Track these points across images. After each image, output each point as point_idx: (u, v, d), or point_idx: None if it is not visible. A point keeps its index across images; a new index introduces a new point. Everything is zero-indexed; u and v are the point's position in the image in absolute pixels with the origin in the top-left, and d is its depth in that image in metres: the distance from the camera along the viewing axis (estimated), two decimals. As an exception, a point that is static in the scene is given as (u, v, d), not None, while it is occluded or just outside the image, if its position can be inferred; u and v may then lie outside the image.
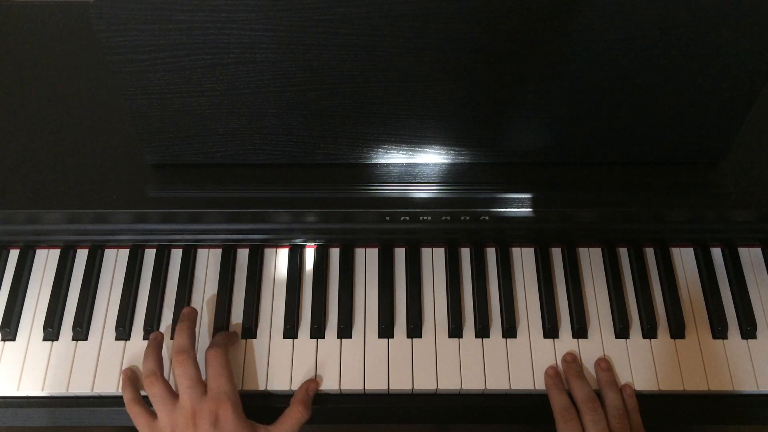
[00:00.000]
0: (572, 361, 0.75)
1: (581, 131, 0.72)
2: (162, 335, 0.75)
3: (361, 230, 0.78)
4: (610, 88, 0.68)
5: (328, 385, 0.74)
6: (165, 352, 0.74)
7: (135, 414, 0.69)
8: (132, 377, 0.73)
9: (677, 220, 0.77)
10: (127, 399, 0.70)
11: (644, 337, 0.77)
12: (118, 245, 0.82)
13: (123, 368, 0.74)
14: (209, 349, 0.71)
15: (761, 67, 0.66)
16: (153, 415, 0.69)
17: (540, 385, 0.74)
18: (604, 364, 0.75)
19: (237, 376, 0.74)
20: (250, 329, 0.76)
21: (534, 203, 0.73)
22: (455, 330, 0.76)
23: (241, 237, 0.80)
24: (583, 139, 0.73)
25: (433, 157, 0.75)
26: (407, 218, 0.74)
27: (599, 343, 0.76)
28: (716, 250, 0.82)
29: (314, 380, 0.73)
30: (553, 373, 0.74)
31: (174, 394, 0.69)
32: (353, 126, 0.71)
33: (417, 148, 0.74)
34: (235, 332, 0.76)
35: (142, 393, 0.72)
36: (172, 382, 0.70)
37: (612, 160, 0.75)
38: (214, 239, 0.80)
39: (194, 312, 0.76)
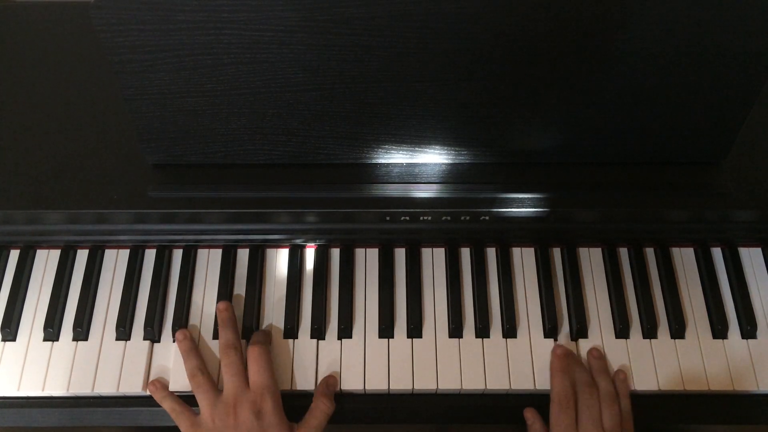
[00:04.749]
0: (570, 354, 0.75)
1: (581, 132, 0.72)
2: (190, 333, 0.75)
3: (362, 230, 0.78)
4: (610, 88, 0.68)
5: (329, 385, 0.74)
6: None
7: (177, 413, 0.71)
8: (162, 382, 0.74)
9: (677, 220, 0.77)
10: (167, 404, 0.72)
11: (644, 337, 0.77)
12: (119, 245, 0.82)
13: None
14: (251, 346, 0.72)
15: (761, 67, 0.66)
16: (194, 413, 0.71)
17: (540, 385, 0.74)
18: (595, 353, 0.75)
19: (237, 376, 0.74)
20: (250, 329, 0.76)
21: (534, 203, 0.73)
22: (455, 330, 0.76)
23: (241, 237, 0.80)
24: (583, 140, 0.73)
25: (433, 157, 0.75)
26: (407, 218, 0.74)
27: (599, 342, 0.76)
28: (716, 250, 0.82)
29: (332, 375, 0.74)
30: (562, 354, 0.74)
31: (217, 389, 0.71)
32: (354, 126, 0.71)
33: (417, 148, 0.74)
34: (270, 331, 0.77)
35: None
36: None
37: (612, 160, 0.75)
38: (214, 239, 0.80)
39: (230, 306, 0.77)
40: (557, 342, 0.76)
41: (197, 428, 0.69)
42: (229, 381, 0.70)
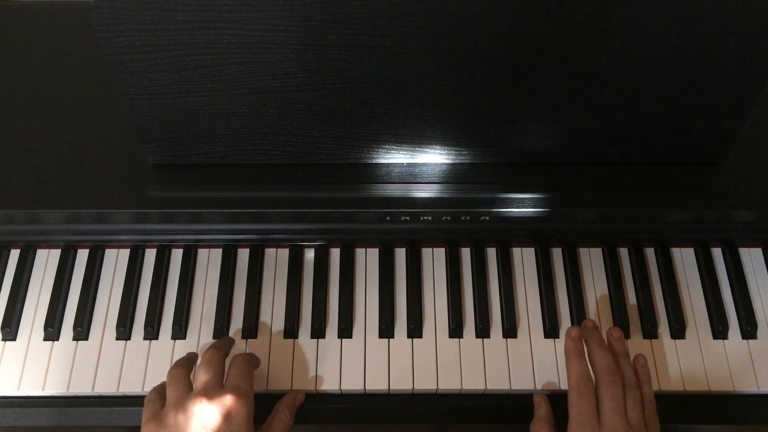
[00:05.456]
0: (593, 327, 0.71)
1: (581, 132, 0.72)
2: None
3: (362, 230, 0.78)
4: (610, 88, 0.68)
5: (328, 385, 0.74)
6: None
7: (146, 401, 0.66)
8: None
9: (678, 220, 0.77)
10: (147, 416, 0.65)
11: (644, 337, 0.77)
12: (119, 245, 0.82)
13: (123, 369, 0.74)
14: (237, 354, 0.69)
15: (761, 67, 0.66)
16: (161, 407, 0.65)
17: (540, 385, 0.74)
18: (616, 334, 0.70)
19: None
20: (250, 329, 0.76)
21: (534, 203, 0.73)
22: (455, 330, 0.76)
23: (241, 237, 0.80)
24: (584, 140, 0.73)
25: (433, 157, 0.75)
26: (408, 218, 0.74)
27: (599, 343, 0.76)
28: (716, 250, 0.82)
29: (301, 391, 0.73)
30: (576, 336, 0.69)
31: (191, 386, 0.65)
32: (354, 126, 0.71)
33: (417, 148, 0.74)
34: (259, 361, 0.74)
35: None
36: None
37: (612, 160, 0.75)
38: (214, 239, 0.80)
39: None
40: (558, 340, 0.76)
41: (158, 421, 0.63)
42: (203, 375, 0.64)
